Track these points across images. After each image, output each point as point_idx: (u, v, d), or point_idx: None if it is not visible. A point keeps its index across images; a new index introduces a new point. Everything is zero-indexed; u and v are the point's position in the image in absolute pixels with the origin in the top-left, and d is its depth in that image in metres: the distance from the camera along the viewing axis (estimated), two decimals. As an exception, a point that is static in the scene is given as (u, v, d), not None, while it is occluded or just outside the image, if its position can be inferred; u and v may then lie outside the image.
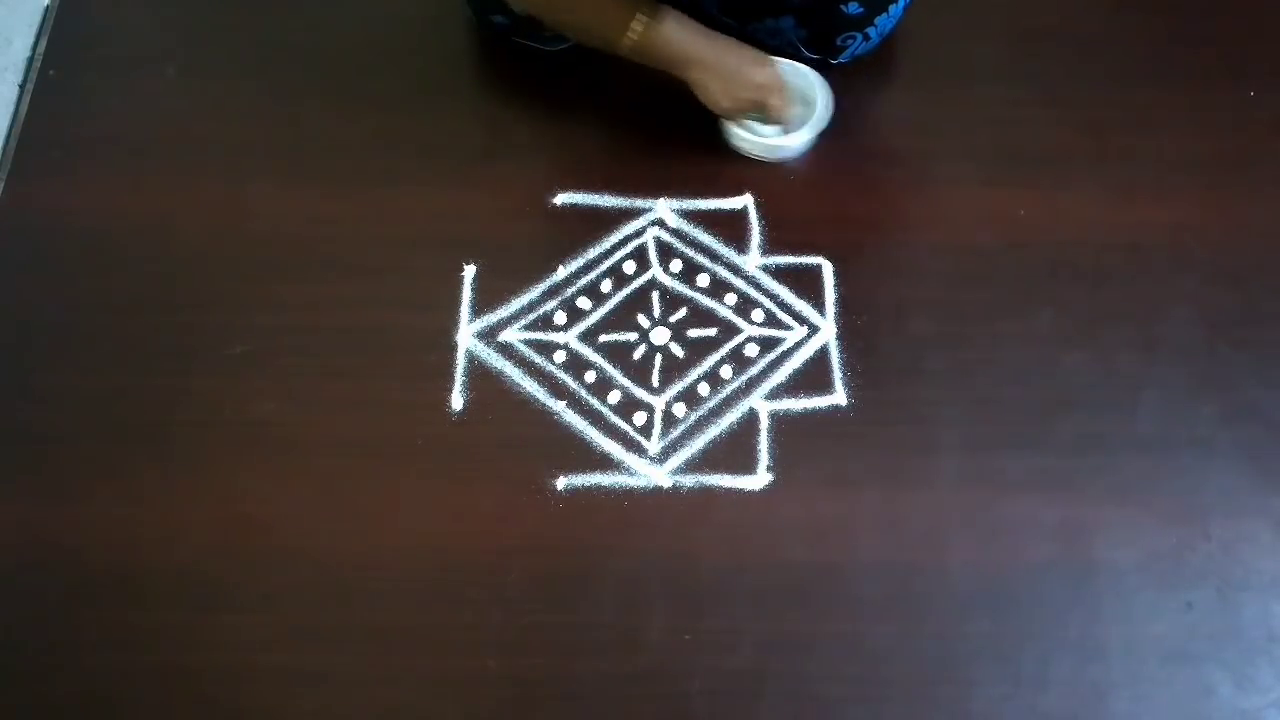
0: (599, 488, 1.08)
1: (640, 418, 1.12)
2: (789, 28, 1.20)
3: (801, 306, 1.17)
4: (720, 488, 1.08)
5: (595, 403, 1.12)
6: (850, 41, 1.20)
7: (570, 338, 1.15)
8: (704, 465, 1.09)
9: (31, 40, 1.34)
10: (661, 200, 1.22)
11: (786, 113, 1.18)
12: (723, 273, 1.18)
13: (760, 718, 1.00)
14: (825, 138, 1.26)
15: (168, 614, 1.03)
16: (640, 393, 1.13)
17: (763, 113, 1.17)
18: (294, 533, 1.06)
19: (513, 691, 1.01)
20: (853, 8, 1.16)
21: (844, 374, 1.13)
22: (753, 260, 1.19)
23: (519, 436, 1.10)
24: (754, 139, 1.21)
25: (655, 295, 1.18)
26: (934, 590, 1.04)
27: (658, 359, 1.14)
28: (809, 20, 1.19)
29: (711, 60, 1.12)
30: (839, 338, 1.15)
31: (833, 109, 1.20)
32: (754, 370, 1.14)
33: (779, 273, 1.18)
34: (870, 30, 1.19)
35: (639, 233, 1.21)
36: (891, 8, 1.18)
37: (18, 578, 1.06)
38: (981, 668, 1.01)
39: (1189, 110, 1.27)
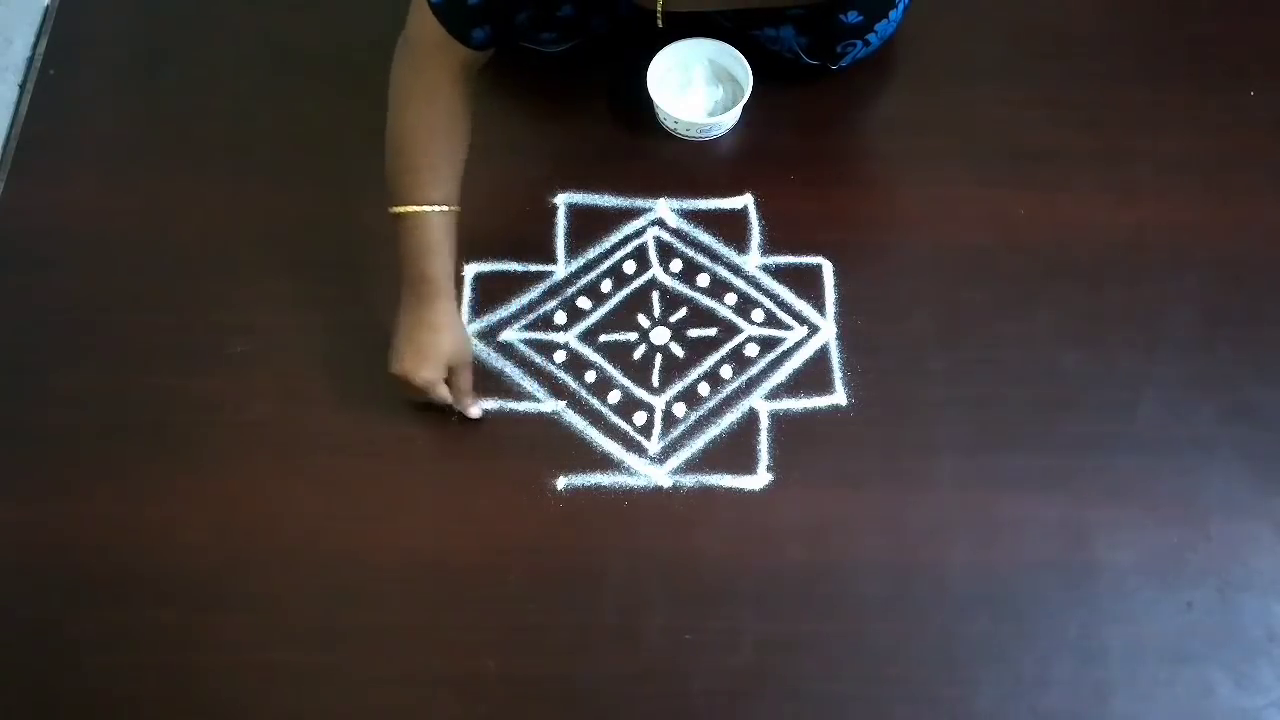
0: (599, 488, 1.08)
1: (640, 418, 1.12)
2: (789, 36, 1.20)
3: (801, 306, 1.17)
4: (720, 488, 1.08)
5: (595, 403, 1.12)
6: (850, 48, 1.20)
7: (570, 338, 1.15)
8: (704, 465, 1.09)
9: (31, 40, 1.34)
10: (661, 200, 1.22)
11: (456, 400, 1.09)
12: (723, 273, 1.18)
13: (760, 718, 1.00)
14: (825, 138, 1.26)
15: (168, 614, 1.03)
16: (640, 393, 1.13)
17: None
18: (294, 533, 1.07)
19: (513, 691, 1.01)
20: (852, 16, 1.16)
21: (844, 374, 1.13)
22: (753, 260, 1.19)
23: (519, 436, 1.10)
24: (687, 120, 1.21)
25: (655, 295, 1.18)
26: (934, 590, 1.04)
27: (658, 359, 1.14)
28: (809, 29, 1.19)
29: (406, 317, 1.04)
30: (839, 338, 1.15)
31: (752, 85, 1.21)
32: (754, 370, 1.14)
33: (779, 273, 1.18)
34: (870, 36, 1.19)
35: (639, 233, 1.21)
36: (890, 13, 1.18)
37: (18, 578, 1.06)
38: (982, 668, 1.01)
39: (1189, 110, 1.27)
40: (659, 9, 1.04)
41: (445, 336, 1.04)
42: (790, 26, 1.19)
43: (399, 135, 1.03)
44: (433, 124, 1.04)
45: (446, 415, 1.10)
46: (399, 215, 1.03)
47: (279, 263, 1.19)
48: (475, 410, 1.10)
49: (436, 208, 1.02)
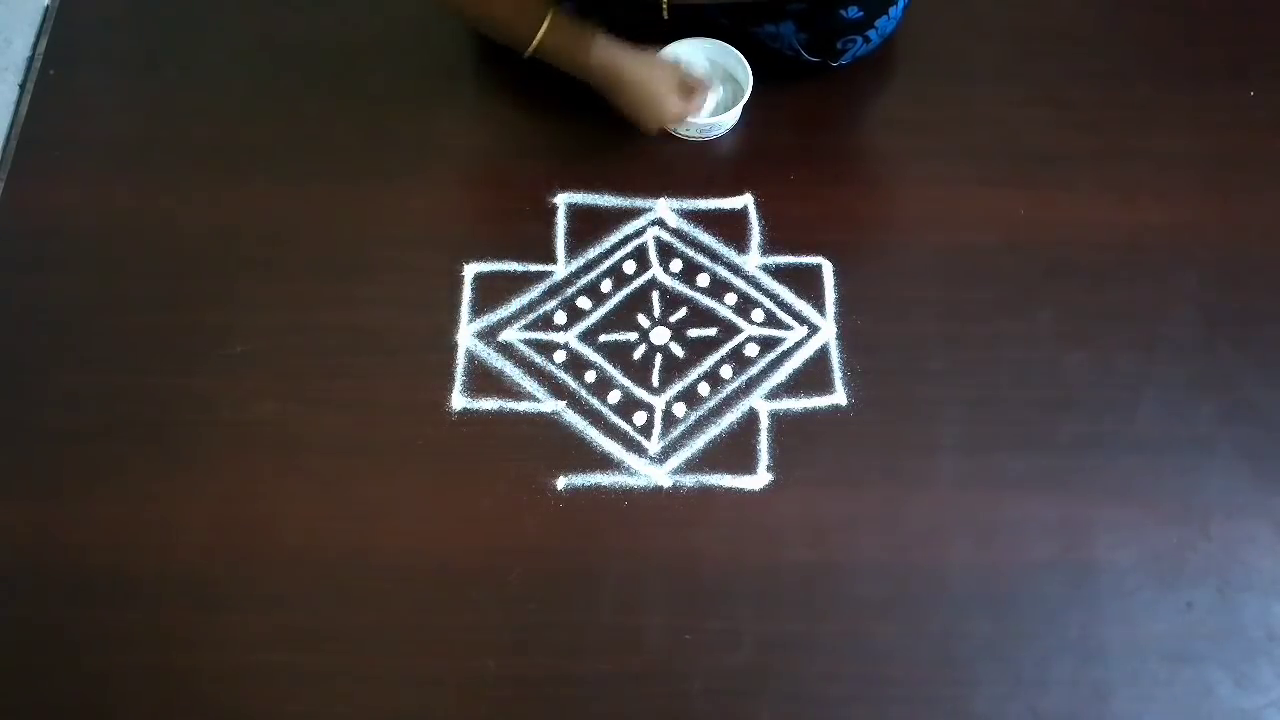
0: (599, 488, 1.08)
1: (640, 418, 1.12)
2: (789, 32, 1.20)
3: (801, 306, 1.17)
4: (720, 488, 1.08)
5: (595, 403, 1.12)
6: (851, 45, 1.20)
7: (570, 338, 1.15)
8: (704, 465, 1.09)
9: (31, 40, 1.34)
10: (661, 200, 1.22)
11: (701, 103, 1.20)
12: (723, 273, 1.18)
13: (760, 718, 1.00)
14: (825, 138, 1.26)
15: (168, 614, 1.03)
16: (640, 393, 1.13)
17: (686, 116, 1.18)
18: (294, 533, 1.07)
19: (513, 691, 1.01)
20: (852, 12, 1.16)
21: (844, 374, 1.13)
22: (753, 260, 1.19)
23: (519, 436, 1.10)
24: (688, 120, 1.21)
25: (655, 295, 1.18)
26: (934, 590, 1.04)
27: (658, 359, 1.14)
28: (809, 25, 1.19)
29: (632, 78, 1.14)
30: (839, 338, 1.15)
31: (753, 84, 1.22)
32: (754, 370, 1.14)
33: (779, 273, 1.18)
34: (870, 33, 1.19)
35: (639, 233, 1.21)
36: (891, 10, 1.18)
37: (18, 578, 1.06)
38: (981, 668, 1.01)
39: (1189, 110, 1.27)
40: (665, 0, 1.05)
41: (645, 76, 1.13)
42: (791, 22, 1.19)
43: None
44: None
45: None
46: (532, 54, 1.13)
47: (279, 262, 1.19)
48: (713, 93, 1.21)
49: (544, 22, 1.11)
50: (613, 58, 1.13)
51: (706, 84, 1.20)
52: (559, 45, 1.13)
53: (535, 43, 1.12)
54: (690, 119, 1.21)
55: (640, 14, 1.14)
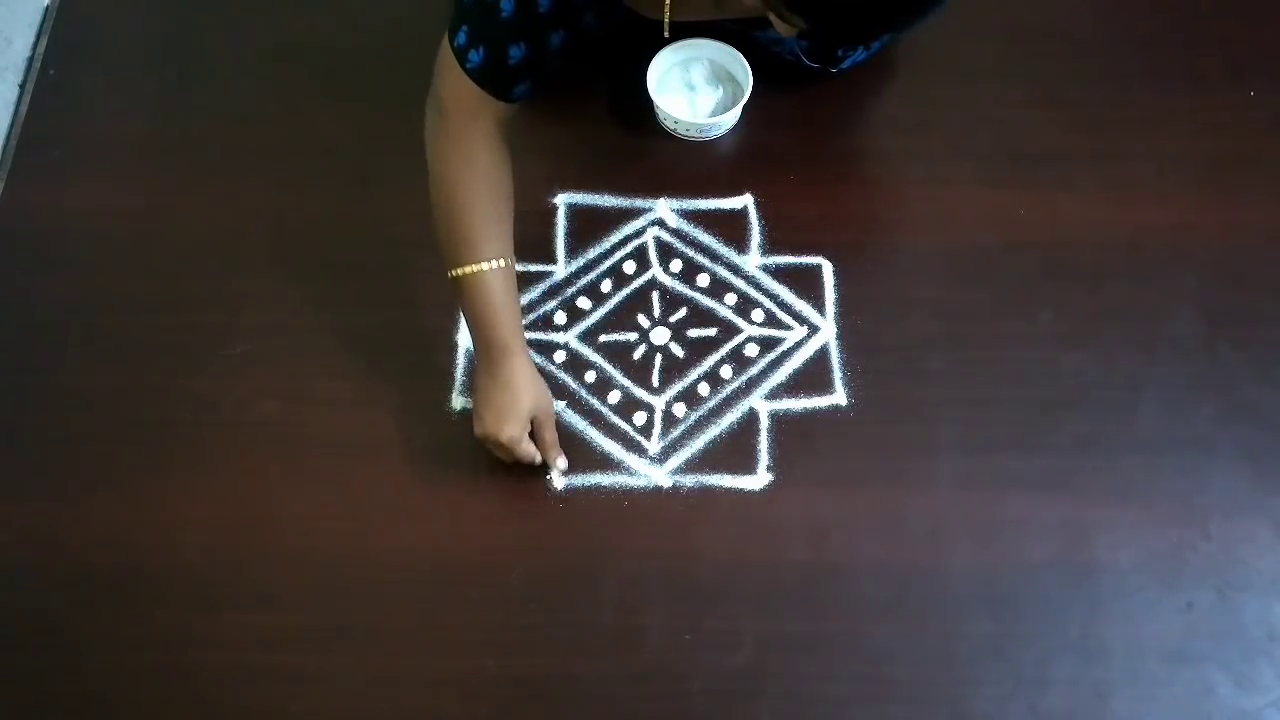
0: (599, 488, 1.08)
1: (640, 418, 1.12)
2: (791, 39, 1.20)
3: (801, 306, 1.17)
4: (720, 488, 1.08)
5: (595, 403, 1.12)
6: (850, 52, 1.20)
7: (570, 338, 1.15)
8: (704, 465, 1.09)
9: (31, 40, 1.34)
10: (661, 200, 1.22)
11: (529, 455, 1.05)
12: (723, 273, 1.18)
13: (760, 718, 1.00)
14: (825, 138, 1.26)
15: (168, 614, 1.04)
16: (640, 393, 1.13)
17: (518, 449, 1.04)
18: (294, 533, 1.07)
19: (513, 691, 1.01)
20: None
21: (844, 374, 1.13)
22: (753, 260, 1.19)
23: (519, 436, 1.10)
24: (687, 120, 1.21)
25: (655, 295, 1.18)
26: (934, 590, 1.04)
27: (658, 359, 1.14)
28: (811, 33, 1.18)
29: (509, 378, 1.02)
30: (839, 338, 1.15)
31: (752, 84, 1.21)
32: (754, 370, 1.14)
33: (779, 273, 1.18)
34: (870, 42, 1.19)
35: (639, 233, 1.21)
36: None
37: (18, 578, 1.06)
38: (981, 668, 1.01)
39: (1189, 110, 1.27)
40: (666, 19, 1.05)
41: (522, 393, 1.03)
42: None
43: (445, 203, 1.02)
44: (477, 187, 1.02)
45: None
46: (457, 278, 1.02)
47: (279, 262, 1.19)
48: (562, 462, 1.08)
49: (492, 264, 1.01)
50: (511, 348, 1.02)
51: (552, 453, 1.07)
52: (489, 292, 1.01)
53: (475, 268, 1.00)
54: (690, 119, 1.21)
55: (642, 27, 1.14)
